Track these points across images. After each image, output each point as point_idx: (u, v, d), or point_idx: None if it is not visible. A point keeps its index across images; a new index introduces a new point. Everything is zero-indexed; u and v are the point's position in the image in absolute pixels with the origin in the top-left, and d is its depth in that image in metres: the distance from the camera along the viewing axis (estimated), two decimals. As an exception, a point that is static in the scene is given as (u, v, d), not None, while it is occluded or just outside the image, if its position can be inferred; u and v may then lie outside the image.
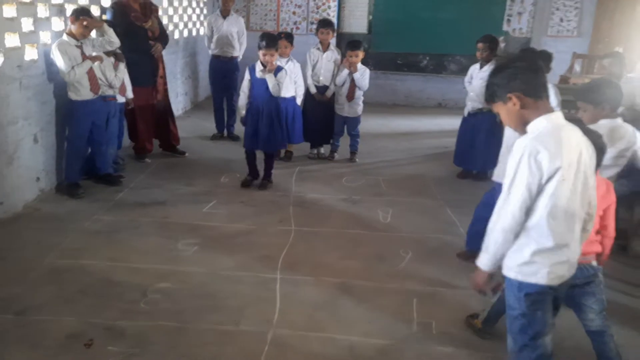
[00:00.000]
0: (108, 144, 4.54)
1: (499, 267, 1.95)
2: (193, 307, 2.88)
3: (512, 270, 1.91)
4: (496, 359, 2.54)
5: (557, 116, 1.81)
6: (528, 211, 1.80)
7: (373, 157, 5.78)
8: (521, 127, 1.86)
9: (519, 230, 1.83)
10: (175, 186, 4.66)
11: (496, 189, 3.01)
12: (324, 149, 5.73)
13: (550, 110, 1.82)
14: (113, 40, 4.35)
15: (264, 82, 4.39)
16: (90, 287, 3.02)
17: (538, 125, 1.80)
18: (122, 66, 4.56)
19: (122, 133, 4.96)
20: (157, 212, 4.10)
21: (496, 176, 3.19)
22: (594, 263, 2.34)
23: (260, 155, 4.72)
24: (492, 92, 1.89)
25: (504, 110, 1.88)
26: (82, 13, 4.10)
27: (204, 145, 6.00)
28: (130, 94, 4.82)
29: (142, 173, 4.95)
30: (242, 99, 4.57)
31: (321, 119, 5.52)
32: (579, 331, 2.59)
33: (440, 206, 4.48)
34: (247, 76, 4.52)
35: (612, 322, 2.39)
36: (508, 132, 3.04)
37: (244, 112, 4.58)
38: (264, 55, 4.32)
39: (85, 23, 4.08)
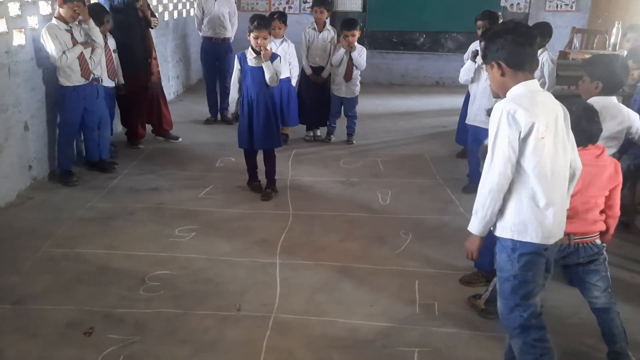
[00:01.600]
0: (101, 127, 4.46)
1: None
2: (192, 293, 2.85)
3: (506, 229, 1.98)
4: (499, 339, 2.52)
5: (533, 83, 1.97)
6: (513, 169, 1.90)
7: (370, 138, 5.72)
8: (502, 93, 2.01)
9: (506, 189, 1.93)
10: (170, 172, 4.59)
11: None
12: (320, 131, 5.67)
13: (529, 79, 1.95)
14: (97, 40, 4.21)
15: (258, 71, 3.89)
16: (88, 275, 2.98)
17: (515, 91, 1.96)
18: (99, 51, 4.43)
19: (113, 118, 4.87)
20: (152, 198, 4.05)
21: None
22: (598, 241, 2.33)
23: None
24: (484, 54, 2.06)
25: (491, 73, 2.03)
26: None
27: (197, 129, 5.92)
28: (121, 79, 4.73)
29: (136, 159, 4.88)
30: (234, 93, 4.05)
31: (317, 100, 5.44)
32: (584, 308, 2.58)
33: (439, 186, 4.45)
34: (236, 65, 3.98)
35: (615, 299, 2.39)
36: None
37: (234, 107, 4.09)
38: (256, 38, 3.81)
39: (76, 9, 3.97)
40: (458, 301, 2.81)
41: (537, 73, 4.31)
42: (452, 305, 2.78)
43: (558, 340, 2.49)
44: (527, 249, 1.95)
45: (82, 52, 4.11)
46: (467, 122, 4.20)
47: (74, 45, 4.05)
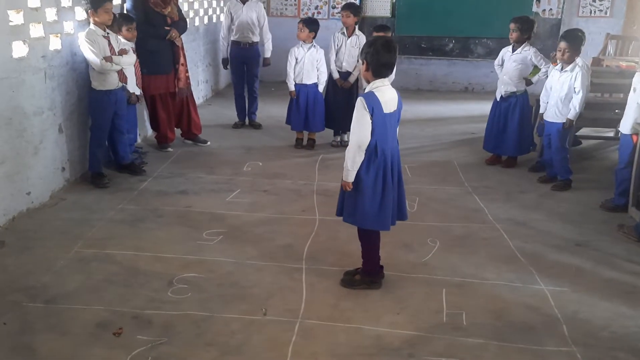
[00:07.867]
0: (128, 132, 4.57)
1: None
2: (219, 296, 2.87)
3: None
4: (527, 351, 2.47)
5: None
6: None
7: (397, 144, 5.67)
8: None
9: None
10: (198, 175, 4.65)
11: (622, 140, 3.92)
12: (347, 136, 5.66)
13: None
14: (125, 63, 4.32)
15: (395, 118, 2.79)
16: (117, 276, 3.04)
17: None
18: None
19: (136, 125, 5.00)
20: (181, 201, 4.10)
21: (623, 128, 3.90)
22: None
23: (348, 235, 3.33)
24: None
25: None
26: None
27: (225, 133, 5.98)
28: (138, 88, 4.77)
29: (165, 162, 4.96)
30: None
31: (343, 105, 5.42)
32: (616, 321, 2.52)
33: (467, 193, 4.39)
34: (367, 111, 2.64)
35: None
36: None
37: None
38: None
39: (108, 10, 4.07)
40: (486, 311, 2.77)
41: (570, 81, 4.25)
42: (480, 315, 2.74)
43: (589, 354, 2.43)
44: None
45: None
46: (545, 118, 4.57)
47: (111, 53, 4.14)
